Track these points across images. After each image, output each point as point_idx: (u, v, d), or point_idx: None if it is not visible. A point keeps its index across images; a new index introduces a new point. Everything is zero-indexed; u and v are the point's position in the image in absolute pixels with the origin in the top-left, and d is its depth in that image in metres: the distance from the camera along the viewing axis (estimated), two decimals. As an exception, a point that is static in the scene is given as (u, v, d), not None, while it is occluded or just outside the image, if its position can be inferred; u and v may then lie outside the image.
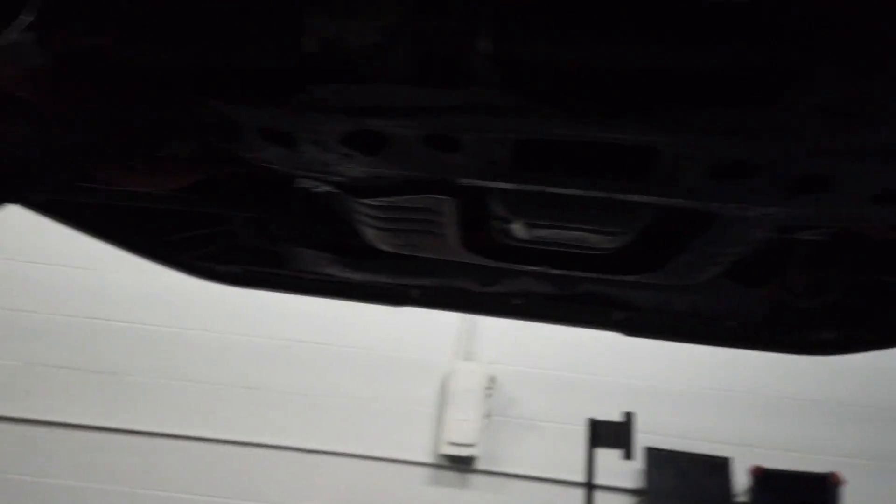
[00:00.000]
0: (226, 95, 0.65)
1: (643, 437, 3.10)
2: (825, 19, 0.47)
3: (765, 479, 3.19)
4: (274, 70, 0.63)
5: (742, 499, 3.23)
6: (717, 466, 3.27)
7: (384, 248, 1.10)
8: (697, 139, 0.57)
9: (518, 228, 0.86)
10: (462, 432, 3.42)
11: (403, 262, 1.34)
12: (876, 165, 0.56)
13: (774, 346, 1.41)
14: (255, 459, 3.47)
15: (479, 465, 3.50)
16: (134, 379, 3.60)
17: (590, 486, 2.89)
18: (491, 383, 3.55)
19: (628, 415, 2.94)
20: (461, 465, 3.50)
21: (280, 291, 1.61)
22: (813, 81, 0.50)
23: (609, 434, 2.92)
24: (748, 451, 3.33)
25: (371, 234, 1.05)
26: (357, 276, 1.45)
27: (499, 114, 0.59)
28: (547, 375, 3.69)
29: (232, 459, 3.47)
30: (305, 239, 1.19)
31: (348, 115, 0.62)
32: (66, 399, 3.57)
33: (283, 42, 0.58)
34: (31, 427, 3.53)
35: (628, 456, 2.86)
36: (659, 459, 3.29)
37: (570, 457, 3.52)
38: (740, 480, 3.25)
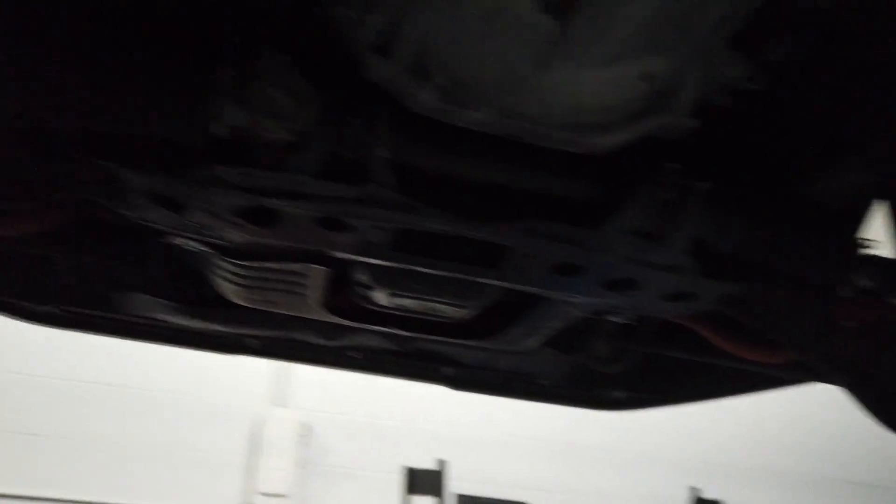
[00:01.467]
0: (119, 159, 0.68)
1: (455, 484, 3.26)
2: (634, 173, 0.64)
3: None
4: (177, 143, 0.67)
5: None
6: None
7: (239, 301, 1.13)
8: (543, 243, 0.72)
9: (380, 296, 0.95)
10: (274, 481, 3.35)
11: (243, 313, 1.36)
12: (664, 276, 0.75)
13: (577, 401, 1.63)
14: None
15: (290, 516, 3.44)
16: None
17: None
18: (306, 431, 3.52)
19: (441, 462, 3.09)
20: (271, 515, 3.41)
21: (106, 335, 1.54)
22: (625, 214, 0.67)
23: (424, 482, 3.03)
24: (547, 496, 3.63)
25: (228, 289, 1.08)
26: (193, 324, 1.43)
27: (388, 207, 0.69)
28: (362, 423, 3.75)
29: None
30: (153, 287, 1.18)
31: (247, 193, 0.69)
32: None
33: (191, 121, 0.64)
34: None
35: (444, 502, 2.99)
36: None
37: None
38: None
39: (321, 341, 1.46)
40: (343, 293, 1.04)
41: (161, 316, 1.39)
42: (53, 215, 0.87)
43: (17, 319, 1.45)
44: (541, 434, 3.89)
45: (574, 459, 3.93)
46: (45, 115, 0.63)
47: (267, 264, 0.89)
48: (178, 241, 0.88)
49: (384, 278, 0.90)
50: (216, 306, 1.32)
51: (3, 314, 1.42)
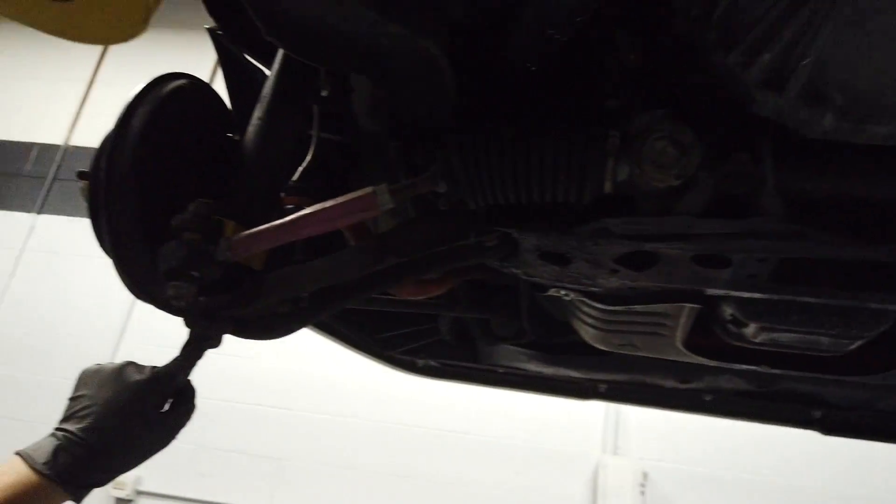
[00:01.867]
0: (515, 225, 0.78)
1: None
2: None
3: None
4: (563, 204, 0.75)
5: None
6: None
7: (599, 346, 1.19)
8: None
9: (752, 332, 0.92)
10: (616, 530, 3.32)
11: (596, 359, 1.41)
12: None
13: None
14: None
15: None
16: (292, 463, 3.80)
17: None
18: (644, 479, 3.44)
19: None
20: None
21: (472, 384, 1.72)
22: None
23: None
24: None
25: (590, 334, 1.14)
26: (549, 371, 1.53)
27: (774, 237, 0.68)
28: (700, 473, 3.54)
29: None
30: (520, 337, 1.30)
31: (631, 240, 0.73)
32: (233, 481, 3.81)
33: (583, 184, 0.70)
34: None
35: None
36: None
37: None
38: None
39: (674, 384, 1.44)
40: (707, 332, 1.03)
41: (521, 364, 1.53)
42: (452, 280, 1.03)
43: (401, 371, 1.71)
44: None
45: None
46: (463, 196, 0.76)
47: (635, 307, 0.93)
48: (552, 292, 0.97)
49: (759, 312, 0.87)
50: (572, 353, 1.41)
51: (390, 367, 1.69)
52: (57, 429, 0.80)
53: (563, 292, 0.95)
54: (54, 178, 4.77)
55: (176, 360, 0.88)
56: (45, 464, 0.75)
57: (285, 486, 3.76)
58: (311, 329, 1.43)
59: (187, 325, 0.88)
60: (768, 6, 0.53)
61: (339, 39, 0.63)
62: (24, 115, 5.00)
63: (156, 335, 4.18)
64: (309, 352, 4.06)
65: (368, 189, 0.73)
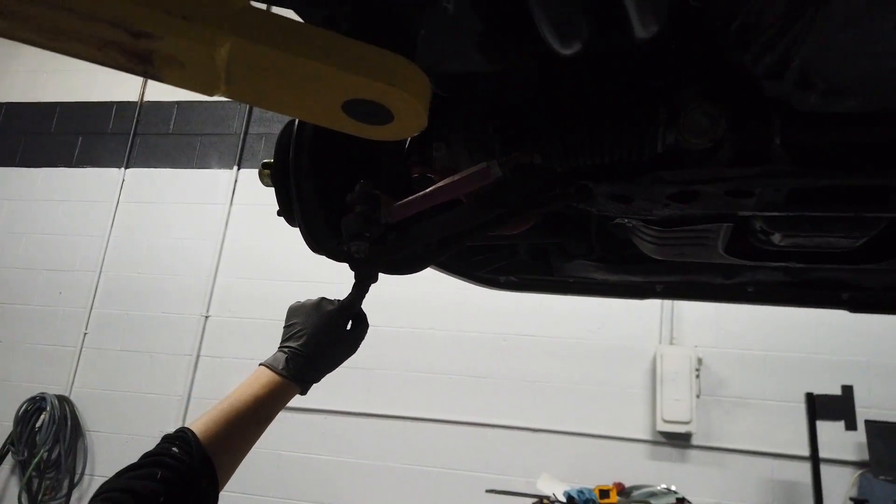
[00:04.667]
0: (599, 179, 1.07)
1: (859, 412, 3.20)
2: None
3: None
4: (627, 162, 1.03)
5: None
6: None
7: (655, 257, 1.48)
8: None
9: (776, 238, 1.20)
10: (677, 410, 3.70)
11: (655, 265, 1.71)
12: None
13: None
14: (490, 438, 3.99)
15: (696, 441, 3.76)
16: (382, 372, 4.28)
17: (815, 459, 3.05)
18: (699, 364, 3.79)
19: (846, 388, 3.07)
20: (679, 441, 3.78)
21: (546, 293, 2.04)
22: None
23: (828, 407, 3.06)
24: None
25: (648, 248, 1.43)
26: (614, 278, 1.84)
27: (784, 176, 0.95)
28: (749, 355, 3.86)
29: (470, 438, 4.01)
30: (590, 254, 1.60)
31: (679, 184, 1.02)
32: (331, 390, 4.33)
33: (641, 147, 0.98)
34: (306, 414, 4.32)
35: (852, 426, 2.99)
36: (880, 431, 3.34)
37: (782, 432, 3.68)
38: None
39: (721, 280, 1.73)
40: (742, 240, 1.31)
41: (589, 275, 1.83)
42: (537, 216, 1.33)
43: (486, 287, 2.04)
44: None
45: None
46: (549, 160, 1.04)
47: (684, 228, 1.22)
48: (618, 220, 1.26)
49: (780, 225, 1.14)
50: (633, 262, 1.70)
51: (478, 284, 2.02)
52: (282, 347, 1.15)
53: (625, 220, 1.24)
54: (135, 134, 5.17)
55: (351, 294, 1.21)
56: (283, 369, 1.11)
57: (378, 390, 4.25)
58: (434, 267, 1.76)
59: (353, 268, 1.20)
60: (768, 25, 0.79)
61: (467, 78, 0.90)
62: (100, 76, 5.35)
63: (242, 269, 4.65)
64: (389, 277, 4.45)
65: (483, 164, 1.02)
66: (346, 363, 4.44)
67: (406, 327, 4.33)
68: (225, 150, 5.02)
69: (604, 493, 3.37)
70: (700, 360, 3.79)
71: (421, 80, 0.59)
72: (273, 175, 1.17)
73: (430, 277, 4.68)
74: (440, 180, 1.21)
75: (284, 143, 1.15)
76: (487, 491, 3.68)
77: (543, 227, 1.51)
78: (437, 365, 4.21)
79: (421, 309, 4.32)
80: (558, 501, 3.35)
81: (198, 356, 4.59)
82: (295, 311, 1.21)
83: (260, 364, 1.15)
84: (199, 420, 1.02)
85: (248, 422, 1.03)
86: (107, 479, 0.89)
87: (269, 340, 4.66)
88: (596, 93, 0.99)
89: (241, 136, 4.99)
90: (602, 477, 3.70)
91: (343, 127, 0.62)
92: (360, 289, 1.21)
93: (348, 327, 1.24)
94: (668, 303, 4.02)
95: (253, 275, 4.70)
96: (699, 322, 3.96)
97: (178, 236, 4.89)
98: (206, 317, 4.66)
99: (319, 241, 1.18)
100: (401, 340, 4.30)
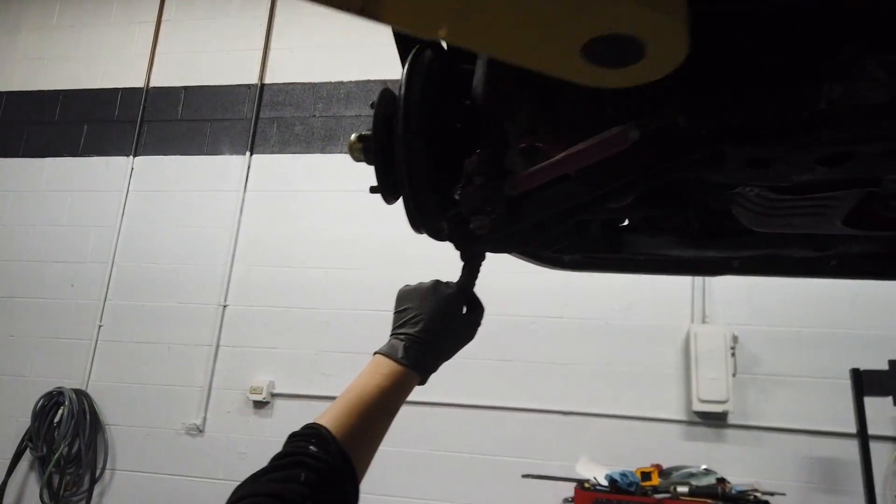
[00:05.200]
0: (741, 141, 0.98)
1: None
2: None
3: None
4: (791, 121, 0.94)
5: None
6: None
7: (757, 228, 1.39)
8: None
9: (912, 203, 1.12)
10: (713, 390, 3.64)
11: (737, 240, 1.63)
12: None
13: None
14: (520, 423, 3.93)
15: (732, 420, 3.71)
16: (407, 359, 4.20)
17: (863, 436, 3.01)
18: (734, 342, 3.73)
19: (893, 363, 3.01)
20: (715, 420, 3.73)
21: (611, 272, 1.96)
22: None
23: (875, 382, 3.01)
24: None
25: (751, 220, 1.35)
26: (689, 253, 1.75)
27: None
28: (782, 332, 3.80)
29: (499, 423, 3.95)
30: (685, 228, 1.51)
31: (838, 144, 0.93)
32: (351, 376, 4.25)
33: (808, 105, 0.89)
34: (330, 403, 4.25)
35: (900, 402, 2.94)
36: (924, 407, 3.29)
37: (818, 408, 3.63)
38: None
39: (808, 253, 1.65)
40: (862, 209, 1.23)
41: (664, 251, 1.75)
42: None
43: (551, 268, 1.96)
44: None
45: None
46: (695, 122, 0.95)
47: (811, 196, 1.13)
48: (738, 190, 1.17)
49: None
50: (715, 237, 1.62)
51: (540, 265, 1.94)
52: (397, 334, 1.06)
53: (748, 189, 1.16)
54: (142, 121, 5.03)
55: (464, 275, 1.13)
56: (402, 357, 1.02)
57: (403, 378, 4.17)
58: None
59: (459, 247, 1.12)
60: None
61: None
62: (102, 62, 5.21)
63: (258, 257, 4.55)
64: (414, 260, 4.37)
65: (620, 127, 0.94)
66: (371, 350, 4.39)
67: (430, 312, 4.24)
68: (236, 136, 4.90)
69: (645, 476, 3.31)
70: (736, 338, 3.74)
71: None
72: (372, 148, 1.08)
73: (453, 259, 4.59)
74: (551, 150, 1.13)
75: (386, 111, 1.06)
76: (524, 476, 3.62)
77: (640, 198, 1.43)
78: (464, 349, 4.13)
79: (445, 293, 4.24)
80: (600, 485, 3.30)
81: (217, 346, 4.50)
82: (407, 296, 1.12)
83: (375, 353, 1.07)
84: (325, 415, 0.93)
85: (378, 415, 0.95)
86: (240, 483, 0.81)
87: (287, 329, 4.62)
88: (753, 44, 0.90)
89: (253, 120, 4.87)
90: (637, 459, 3.65)
91: (577, 74, 0.53)
92: (472, 269, 1.13)
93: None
94: (699, 281, 3.96)
95: (269, 262, 4.60)
96: (731, 300, 3.90)
97: (191, 225, 4.78)
98: (224, 306, 4.56)
99: (427, 219, 1.09)
100: (427, 325, 4.22)
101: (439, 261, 4.31)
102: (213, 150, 4.90)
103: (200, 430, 4.35)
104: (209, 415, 4.39)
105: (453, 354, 1.11)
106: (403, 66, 1.06)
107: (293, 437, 0.89)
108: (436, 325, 1.06)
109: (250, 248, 4.66)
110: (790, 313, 3.78)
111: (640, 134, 0.94)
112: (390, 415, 0.98)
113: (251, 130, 4.85)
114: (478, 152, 1.01)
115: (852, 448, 3.49)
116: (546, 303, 4.07)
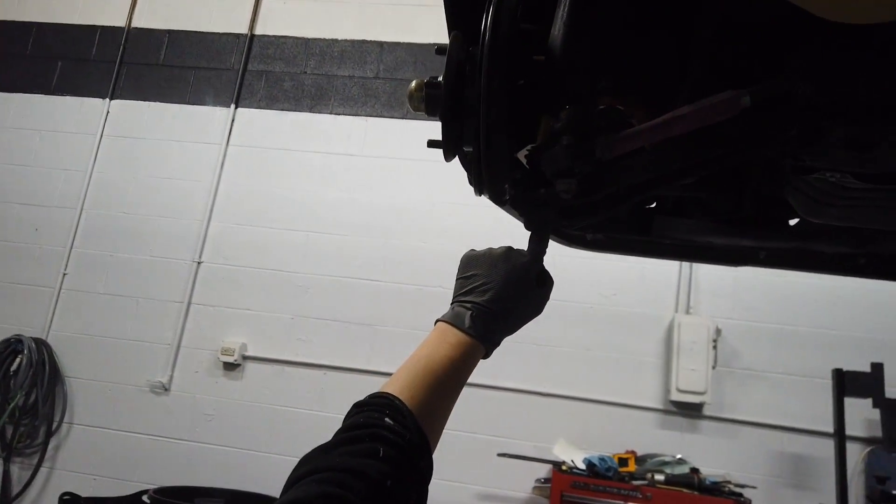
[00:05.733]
0: (848, 119, 0.92)
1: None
2: None
3: None
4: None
5: None
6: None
7: (813, 219, 1.34)
8: None
9: None
10: (692, 381, 3.66)
11: (772, 230, 1.58)
12: None
13: None
14: (498, 402, 3.90)
15: (708, 412, 3.74)
16: (385, 328, 4.12)
17: (840, 436, 3.05)
18: (717, 335, 3.75)
19: (876, 365, 3.06)
20: (691, 411, 3.75)
21: (634, 254, 1.89)
22: None
23: (856, 383, 3.05)
24: None
25: (810, 209, 1.29)
26: (720, 241, 1.70)
27: None
28: (763, 328, 3.84)
29: (477, 401, 3.90)
30: (736, 212, 1.45)
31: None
32: (331, 345, 4.16)
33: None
34: (305, 369, 4.15)
35: (880, 404, 2.99)
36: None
37: (794, 406, 3.69)
38: None
39: (842, 250, 1.62)
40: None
41: (694, 237, 1.69)
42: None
43: (572, 246, 1.89)
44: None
45: None
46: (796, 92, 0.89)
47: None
48: (817, 174, 1.11)
49: None
50: (750, 226, 1.57)
51: (563, 242, 1.87)
52: (463, 302, 0.97)
53: (828, 174, 1.10)
54: (121, 62, 4.78)
55: (532, 244, 1.05)
56: (469, 327, 0.94)
57: (381, 347, 4.10)
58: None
59: (525, 214, 1.04)
60: None
61: None
62: (82, -4, 4.91)
63: (238, 214, 4.39)
64: (397, 230, 4.27)
65: (731, 92, 0.86)
66: (350, 318, 4.29)
67: (412, 284, 4.16)
68: (221, 87, 4.69)
69: (622, 462, 3.32)
70: (719, 331, 3.75)
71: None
72: (442, 96, 0.98)
73: (439, 232, 4.51)
74: (635, 112, 1.05)
75: (458, 60, 0.96)
76: (499, 455, 3.60)
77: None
78: (445, 324, 4.07)
79: (429, 266, 4.16)
80: (577, 468, 3.29)
81: (189, 303, 4.34)
82: (475, 261, 1.03)
83: (438, 320, 0.98)
84: (393, 385, 0.84)
85: (448, 388, 0.87)
86: (306, 455, 0.72)
87: (264, 291, 4.47)
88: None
89: (240, 72, 4.66)
90: (612, 444, 3.65)
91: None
92: (542, 238, 1.04)
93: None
94: (685, 271, 3.96)
95: (249, 221, 4.44)
96: (716, 292, 3.91)
97: (167, 176, 4.58)
98: (199, 262, 4.40)
99: (497, 179, 1.00)
100: (406, 297, 4.14)
101: (423, 232, 4.24)
102: (196, 100, 4.69)
103: (166, 389, 4.20)
104: (176, 373, 4.25)
105: (519, 328, 1.03)
106: (486, 9, 0.96)
107: (362, 407, 0.79)
108: (507, 295, 0.97)
109: (229, 204, 4.48)
110: (773, 310, 3.81)
111: (751, 101, 0.87)
112: (459, 388, 0.90)
113: (237, 82, 4.65)
114: (567, 108, 0.92)
115: (822, 445, 3.56)
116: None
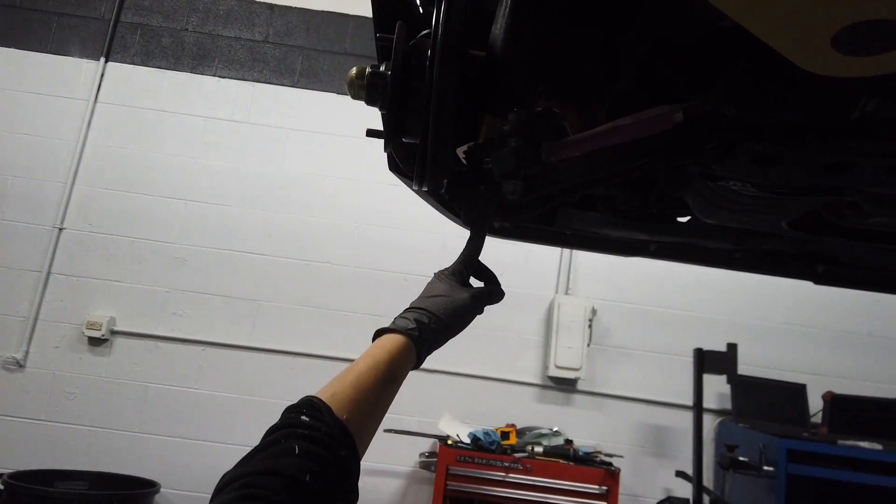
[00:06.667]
0: (761, 137, 1.00)
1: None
2: None
3: (835, 402, 3.64)
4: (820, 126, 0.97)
5: (816, 420, 3.72)
6: (795, 392, 3.74)
7: (707, 219, 1.46)
8: None
9: (872, 217, 1.21)
10: (569, 357, 3.87)
11: (664, 225, 1.70)
12: None
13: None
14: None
15: (581, 387, 3.97)
16: (270, 304, 4.00)
17: (699, 408, 3.36)
18: (593, 314, 3.97)
19: (731, 346, 3.39)
20: (566, 385, 3.97)
21: (539, 243, 1.97)
22: None
23: (714, 361, 3.36)
24: (822, 379, 3.83)
25: (705, 210, 1.40)
26: (616, 233, 1.81)
27: None
28: (634, 309, 4.12)
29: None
30: (638, 210, 1.54)
31: (854, 154, 0.98)
32: (211, 320, 3.98)
33: (840, 115, 0.92)
34: (181, 345, 3.95)
35: (733, 380, 3.31)
36: (744, 385, 3.75)
37: (661, 381, 4.00)
38: (815, 405, 3.74)
39: (724, 246, 1.77)
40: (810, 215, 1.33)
41: (593, 229, 1.78)
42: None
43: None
44: (817, 322, 4.02)
45: (848, 347, 4.02)
46: (722, 112, 0.95)
47: (782, 196, 1.19)
48: (721, 183, 1.21)
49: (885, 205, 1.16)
50: (644, 221, 1.67)
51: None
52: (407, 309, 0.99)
53: (731, 182, 1.19)
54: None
55: (472, 240, 1.06)
56: (393, 325, 0.96)
57: (264, 323, 3.98)
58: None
59: (466, 212, 1.04)
60: None
61: None
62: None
63: (106, 178, 4.07)
64: (284, 203, 4.14)
65: (666, 107, 0.91)
66: (229, 293, 4.15)
67: (299, 259, 4.07)
68: (88, 37, 4.28)
69: (504, 435, 3.46)
70: (595, 311, 3.98)
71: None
72: (388, 87, 0.96)
73: (327, 207, 4.40)
74: (570, 117, 1.08)
75: (405, 49, 0.93)
76: (386, 430, 3.62)
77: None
78: (332, 301, 4.02)
79: (317, 241, 4.08)
80: (462, 442, 3.39)
81: (48, 273, 3.98)
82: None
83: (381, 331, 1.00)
84: (322, 389, 0.85)
85: (368, 379, 0.88)
86: (230, 469, 0.70)
87: (135, 262, 4.21)
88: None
89: (112, 22, 4.28)
90: (495, 418, 3.80)
91: (823, 65, 0.48)
92: (480, 234, 1.06)
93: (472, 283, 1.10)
94: (566, 255, 4.15)
95: (120, 186, 4.12)
96: (593, 275, 4.13)
97: (24, 132, 4.14)
98: (60, 229, 4.03)
99: (440, 173, 0.99)
100: (292, 272, 4.04)
101: (311, 206, 4.14)
102: (60, 50, 4.25)
103: (20, 365, 3.85)
104: (32, 348, 3.90)
105: (454, 336, 1.07)
106: (436, 2, 0.94)
107: (287, 410, 0.81)
108: (443, 315, 1.01)
109: (97, 167, 4.14)
110: (644, 293, 4.09)
111: (683, 117, 0.92)
112: (384, 378, 0.91)
113: (108, 33, 4.27)
114: (515, 111, 0.93)
115: (680, 417, 3.91)
116: (421, 262, 4.05)
